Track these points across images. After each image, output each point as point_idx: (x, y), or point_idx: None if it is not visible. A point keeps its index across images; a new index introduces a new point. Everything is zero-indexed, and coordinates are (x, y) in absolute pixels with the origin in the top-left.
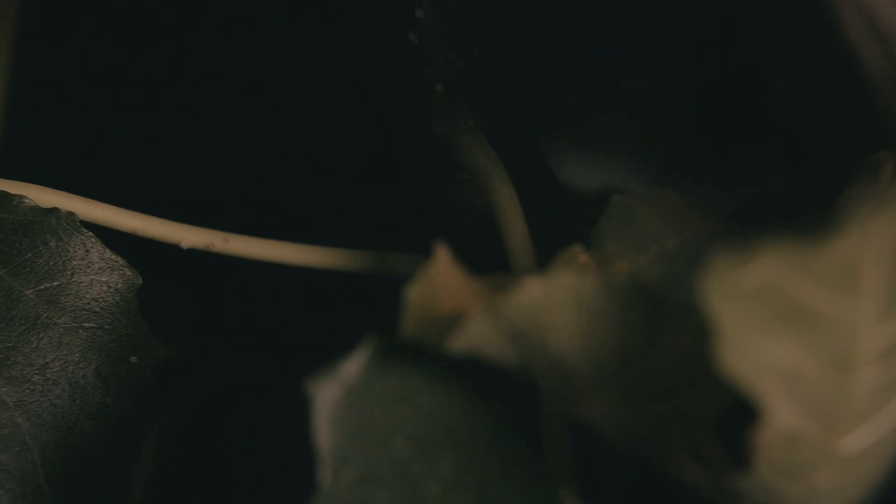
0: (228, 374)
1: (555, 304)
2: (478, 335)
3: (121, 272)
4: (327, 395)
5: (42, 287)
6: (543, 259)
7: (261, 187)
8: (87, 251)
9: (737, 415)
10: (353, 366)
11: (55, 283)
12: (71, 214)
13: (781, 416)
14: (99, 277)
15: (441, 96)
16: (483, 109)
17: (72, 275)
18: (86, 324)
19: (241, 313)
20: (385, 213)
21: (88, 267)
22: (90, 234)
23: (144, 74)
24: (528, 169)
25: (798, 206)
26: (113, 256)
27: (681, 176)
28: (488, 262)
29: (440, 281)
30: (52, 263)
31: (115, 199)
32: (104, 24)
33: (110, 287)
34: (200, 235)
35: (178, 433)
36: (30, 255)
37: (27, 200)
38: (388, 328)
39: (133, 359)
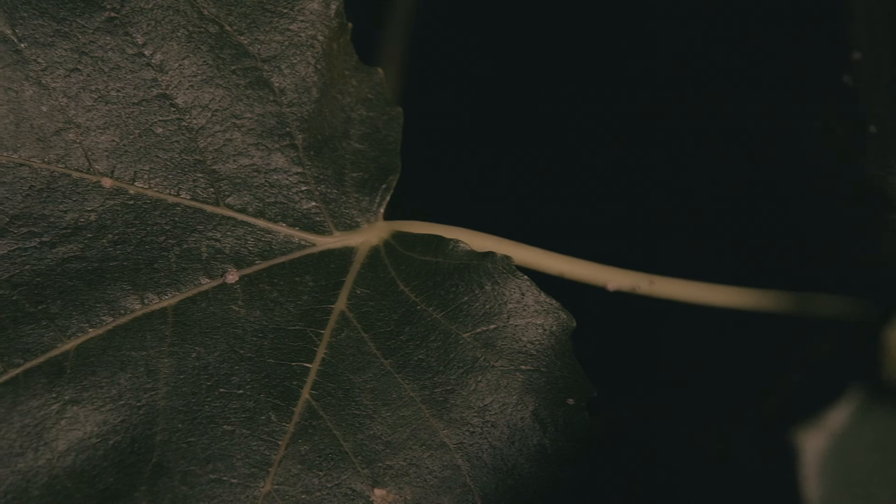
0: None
1: None
2: None
3: (555, 315)
4: (816, 445)
5: (479, 330)
6: None
7: (683, 228)
8: (523, 294)
9: None
10: (840, 415)
11: (491, 327)
12: (506, 258)
13: None
14: (534, 321)
15: (875, 137)
16: None
17: (508, 318)
18: (522, 366)
19: (666, 354)
20: (808, 253)
21: (524, 310)
22: (525, 277)
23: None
24: None
25: None
26: (547, 300)
27: None
28: None
29: None
30: (487, 307)
31: (534, 241)
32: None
33: (545, 330)
34: (626, 277)
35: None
36: (466, 298)
37: (462, 245)
38: (816, 370)
39: (570, 401)
